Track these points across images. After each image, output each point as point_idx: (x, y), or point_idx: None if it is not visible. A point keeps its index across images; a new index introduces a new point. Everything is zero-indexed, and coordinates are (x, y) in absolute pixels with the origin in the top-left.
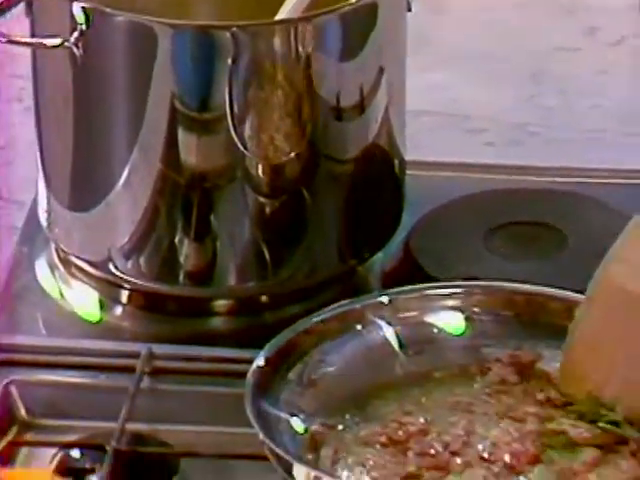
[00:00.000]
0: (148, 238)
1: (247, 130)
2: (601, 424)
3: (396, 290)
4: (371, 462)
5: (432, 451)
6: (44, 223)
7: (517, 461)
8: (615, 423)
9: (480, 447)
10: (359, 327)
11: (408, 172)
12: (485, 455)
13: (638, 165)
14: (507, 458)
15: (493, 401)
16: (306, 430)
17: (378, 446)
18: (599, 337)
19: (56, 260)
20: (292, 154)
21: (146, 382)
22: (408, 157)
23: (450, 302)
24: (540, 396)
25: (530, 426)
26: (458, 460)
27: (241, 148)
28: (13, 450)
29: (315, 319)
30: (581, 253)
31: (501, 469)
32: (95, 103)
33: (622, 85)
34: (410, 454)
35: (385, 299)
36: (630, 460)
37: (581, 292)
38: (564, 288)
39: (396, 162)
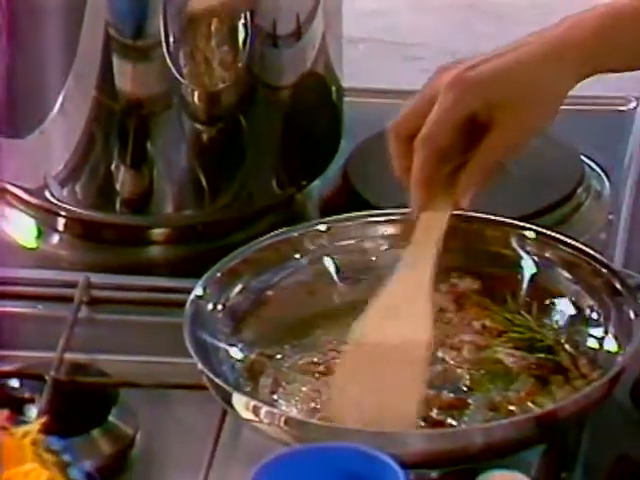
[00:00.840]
0: (84, 165)
1: (182, 58)
2: (536, 352)
3: (334, 218)
4: (309, 391)
5: None
6: None
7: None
8: (550, 350)
9: None
10: (297, 256)
11: (345, 99)
12: None
13: (574, 92)
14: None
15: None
16: (245, 360)
17: (317, 375)
18: (351, 391)
19: None
20: (228, 81)
21: (84, 312)
22: (345, 84)
23: (389, 230)
24: (477, 325)
25: (466, 354)
26: None
27: (177, 76)
28: None
29: (253, 248)
30: (519, 180)
31: (437, 397)
32: (29, 31)
33: (557, 16)
34: None
35: (323, 227)
36: (564, 387)
37: (519, 219)
38: (502, 215)
39: (333, 89)
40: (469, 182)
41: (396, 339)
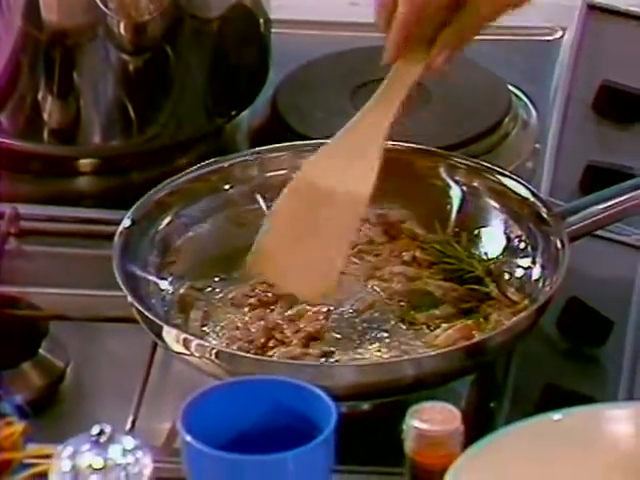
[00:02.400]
0: (10, 96)
1: None
2: (466, 284)
3: (264, 148)
4: (239, 323)
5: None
6: None
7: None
8: (480, 282)
9: (347, 308)
10: (227, 187)
11: (273, 30)
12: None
13: (502, 22)
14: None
15: (360, 262)
16: (175, 293)
17: (247, 308)
18: (287, 228)
19: None
20: (154, 12)
21: (12, 244)
22: (273, 15)
23: None
24: (406, 256)
25: (396, 286)
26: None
27: (102, 7)
28: None
29: (182, 179)
30: (447, 110)
31: (363, 325)
32: None
33: None
34: (275, 310)
35: (252, 157)
36: (492, 317)
37: (447, 149)
38: (430, 145)
39: (261, 21)
40: (446, 43)
41: (338, 186)
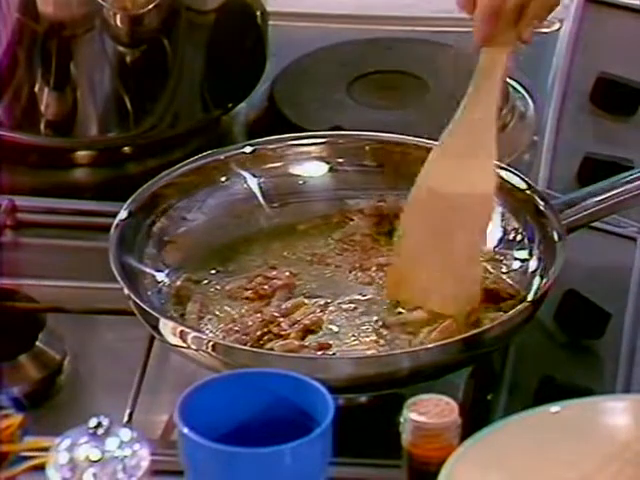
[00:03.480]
0: (7, 87)
1: None
2: None
3: (260, 140)
4: (236, 316)
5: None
6: None
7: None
8: None
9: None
10: (223, 179)
11: (271, 23)
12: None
13: None
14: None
15: (346, 253)
16: (171, 285)
17: (244, 300)
18: (420, 246)
19: None
20: (151, 4)
21: (9, 236)
22: (270, 8)
23: (314, 152)
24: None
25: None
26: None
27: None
28: None
29: (179, 171)
30: (443, 101)
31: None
32: None
33: None
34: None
35: (249, 149)
36: (490, 310)
37: None
38: (426, 136)
39: (258, 13)
40: (533, 14)
41: (461, 190)
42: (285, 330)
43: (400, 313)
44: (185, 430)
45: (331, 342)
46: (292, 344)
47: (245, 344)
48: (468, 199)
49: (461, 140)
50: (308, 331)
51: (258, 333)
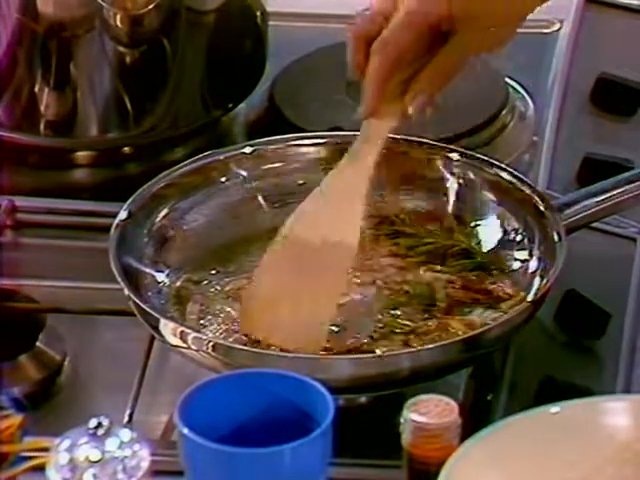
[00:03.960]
0: (7, 88)
1: None
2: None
3: (260, 141)
4: (236, 316)
5: None
6: None
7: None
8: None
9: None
10: (223, 179)
11: (270, 23)
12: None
13: None
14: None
15: None
16: (171, 285)
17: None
18: (276, 283)
19: None
20: (151, 4)
21: (8, 236)
22: (270, 8)
23: (314, 153)
24: (394, 247)
25: (389, 278)
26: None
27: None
28: None
29: (178, 171)
30: (444, 102)
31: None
32: None
33: None
34: None
35: (249, 150)
36: (489, 310)
37: (444, 141)
38: (427, 137)
39: (258, 13)
40: (420, 89)
41: (326, 238)
42: None
43: (400, 316)
44: (185, 431)
45: (330, 341)
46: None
47: (245, 344)
48: (331, 248)
49: (333, 195)
50: None
51: None
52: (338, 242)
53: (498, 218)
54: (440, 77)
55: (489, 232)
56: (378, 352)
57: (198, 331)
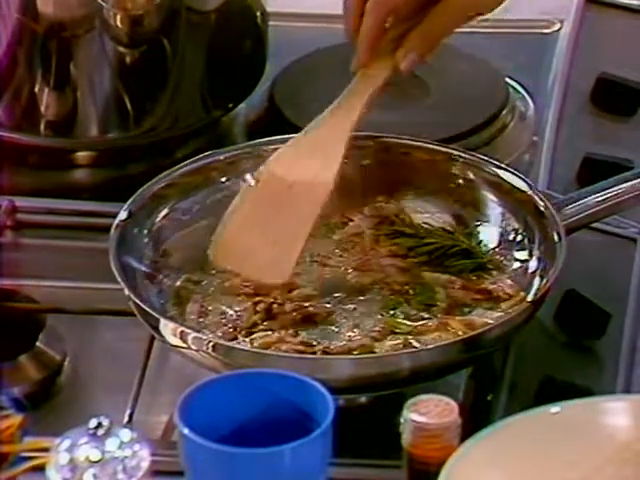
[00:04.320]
0: (7, 88)
1: None
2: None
3: (260, 141)
4: (235, 316)
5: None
6: None
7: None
8: (468, 255)
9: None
10: (223, 179)
11: (271, 23)
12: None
13: (499, 15)
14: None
15: (347, 254)
16: (171, 285)
17: (243, 296)
18: (248, 217)
19: None
20: (151, 4)
21: (9, 236)
22: (270, 8)
23: None
24: (394, 247)
25: (389, 277)
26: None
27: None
28: None
29: (179, 171)
30: (444, 102)
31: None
32: None
33: None
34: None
35: (249, 150)
36: (489, 310)
37: (444, 141)
38: (427, 137)
39: (258, 13)
40: (411, 46)
41: (301, 177)
42: (281, 318)
43: (400, 316)
44: (185, 431)
45: (331, 343)
46: (273, 337)
47: (235, 338)
48: (303, 185)
49: (314, 139)
50: (304, 322)
51: (247, 324)
52: (313, 178)
53: (498, 218)
54: (431, 37)
55: (489, 232)
56: (378, 352)
57: (198, 331)
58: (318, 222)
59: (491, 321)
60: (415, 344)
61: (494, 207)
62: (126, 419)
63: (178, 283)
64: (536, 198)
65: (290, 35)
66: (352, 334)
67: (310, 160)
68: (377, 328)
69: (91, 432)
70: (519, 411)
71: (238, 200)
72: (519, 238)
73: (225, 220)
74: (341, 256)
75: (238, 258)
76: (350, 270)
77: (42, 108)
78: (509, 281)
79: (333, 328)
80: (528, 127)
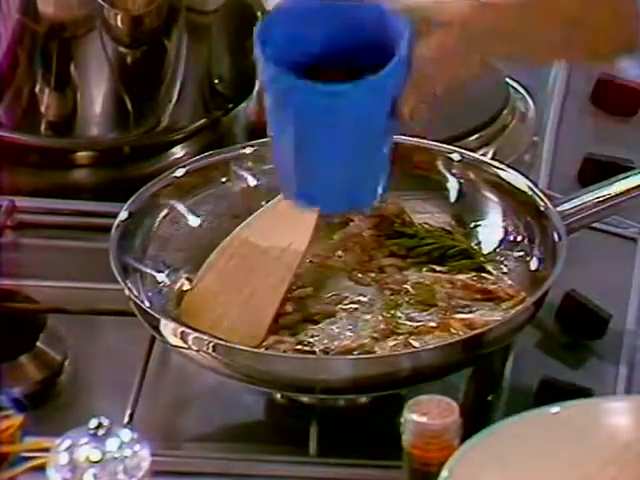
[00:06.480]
0: (7, 88)
1: None
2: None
3: (261, 141)
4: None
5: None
6: None
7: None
8: (468, 256)
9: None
10: (224, 179)
11: None
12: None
13: None
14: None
15: (347, 254)
16: (172, 285)
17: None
18: (220, 283)
19: None
20: (151, 5)
21: (9, 236)
22: (270, 8)
23: None
24: (394, 247)
25: (388, 278)
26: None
27: (99, 0)
28: None
29: (179, 172)
30: (444, 102)
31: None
32: None
33: None
34: None
35: (249, 150)
36: (489, 310)
37: (444, 142)
38: (428, 138)
39: (258, 13)
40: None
41: (274, 243)
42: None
43: (400, 316)
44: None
45: (332, 343)
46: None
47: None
48: (278, 251)
49: (289, 205)
50: (305, 321)
51: None
52: (286, 247)
53: (499, 218)
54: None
55: (489, 232)
56: (378, 352)
57: (198, 331)
58: (318, 225)
59: (491, 321)
60: (415, 344)
61: (494, 207)
62: (126, 419)
63: (178, 283)
64: (536, 198)
65: None
66: (352, 334)
67: (284, 227)
68: (377, 328)
69: (91, 432)
70: (519, 411)
71: (213, 258)
72: (520, 238)
73: (199, 276)
74: (341, 256)
75: (209, 319)
76: (350, 270)
77: (42, 108)
78: (509, 281)
79: (333, 328)
80: (528, 127)
